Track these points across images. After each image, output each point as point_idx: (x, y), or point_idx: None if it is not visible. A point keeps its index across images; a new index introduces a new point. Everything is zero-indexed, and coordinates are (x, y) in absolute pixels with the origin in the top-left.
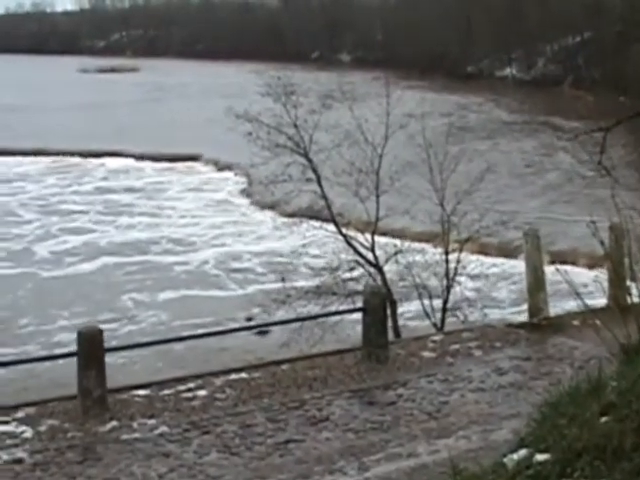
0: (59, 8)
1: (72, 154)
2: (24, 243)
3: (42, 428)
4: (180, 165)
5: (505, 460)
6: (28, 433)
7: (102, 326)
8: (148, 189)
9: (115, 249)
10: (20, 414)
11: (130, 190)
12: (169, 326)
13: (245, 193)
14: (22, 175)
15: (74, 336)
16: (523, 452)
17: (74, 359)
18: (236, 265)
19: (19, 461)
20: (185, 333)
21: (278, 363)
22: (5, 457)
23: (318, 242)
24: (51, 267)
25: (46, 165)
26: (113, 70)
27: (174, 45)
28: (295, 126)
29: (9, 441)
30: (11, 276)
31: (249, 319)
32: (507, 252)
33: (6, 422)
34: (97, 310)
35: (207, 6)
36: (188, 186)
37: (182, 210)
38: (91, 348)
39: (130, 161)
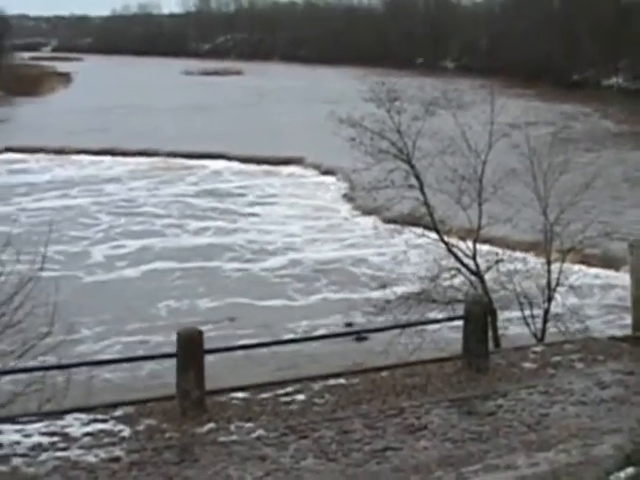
0: (165, 10)
1: (174, 155)
2: (84, 246)
3: (140, 427)
4: (281, 168)
5: (611, 478)
6: (126, 432)
7: (128, 337)
8: (244, 192)
9: (174, 254)
10: (118, 413)
11: (224, 193)
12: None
13: (347, 198)
14: (113, 177)
15: (95, 347)
16: (630, 470)
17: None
18: (334, 270)
19: (116, 459)
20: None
21: (377, 370)
22: (103, 455)
23: (419, 249)
24: (99, 271)
25: (145, 167)
26: (217, 73)
27: (278, 49)
28: (398, 132)
29: (107, 439)
30: (53, 279)
31: (348, 325)
32: (610, 263)
33: (104, 420)
34: (126, 318)
35: (312, 10)
36: (287, 190)
37: (279, 214)
38: (190, 349)
39: (231, 163)
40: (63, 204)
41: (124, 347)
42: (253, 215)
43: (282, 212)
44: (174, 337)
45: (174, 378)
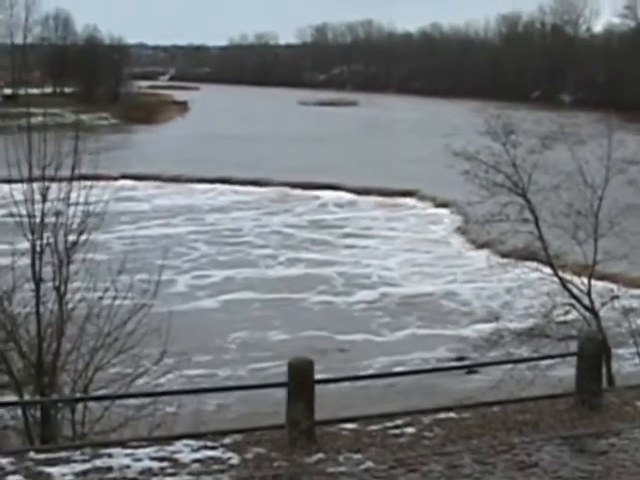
0: (282, 41)
1: (287, 185)
2: (170, 274)
3: (249, 456)
4: (396, 200)
5: None
6: (235, 460)
7: (191, 370)
8: (353, 224)
9: (259, 285)
10: (227, 440)
11: (332, 225)
12: (269, 373)
13: (460, 231)
14: (220, 207)
15: (156, 381)
16: None
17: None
18: (448, 303)
19: None
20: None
21: (488, 404)
22: None
23: (533, 283)
24: (178, 300)
25: (255, 196)
26: (332, 104)
27: (393, 80)
28: (514, 165)
29: (215, 466)
30: (126, 306)
31: (460, 359)
32: None
33: (214, 447)
34: (192, 350)
35: (428, 43)
36: (398, 222)
37: (387, 246)
38: (301, 379)
39: (345, 194)
40: (163, 232)
41: (187, 381)
42: (356, 247)
43: (391, 244)
44: (240, 372)
45: (235, 412)
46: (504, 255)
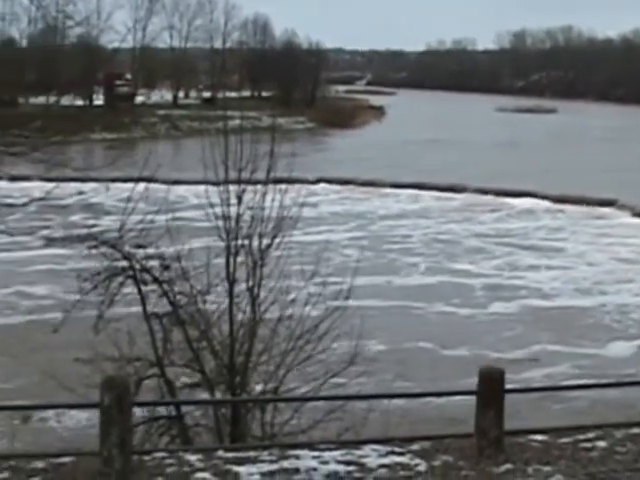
0: (480, 46)
1: (482, 192)
2: (296, 280)
3: (436, 463)
4: (591, 209)
5: None
6: (422, 467)
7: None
8: (530, 234)
9: (381, 293)
10: (415, 447)
11: (510, 234)
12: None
13: None
14: (399, 213)
15: None
16: None
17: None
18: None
19: None
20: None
21: None
22: None
23: None
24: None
25: (441, 203)
26: (530, 110)
27: (593, 88)
28: None
29: (402, 472)
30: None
31: None
32: None
33: (401, 453)
34: None
35: (629, 49)
36: (584, 233)
37: (561, 258)
38: (491, 388)
39: (539, 202)
40: (323, 238)
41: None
42: (520, 258)
43: (564, 256)
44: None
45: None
46: None
